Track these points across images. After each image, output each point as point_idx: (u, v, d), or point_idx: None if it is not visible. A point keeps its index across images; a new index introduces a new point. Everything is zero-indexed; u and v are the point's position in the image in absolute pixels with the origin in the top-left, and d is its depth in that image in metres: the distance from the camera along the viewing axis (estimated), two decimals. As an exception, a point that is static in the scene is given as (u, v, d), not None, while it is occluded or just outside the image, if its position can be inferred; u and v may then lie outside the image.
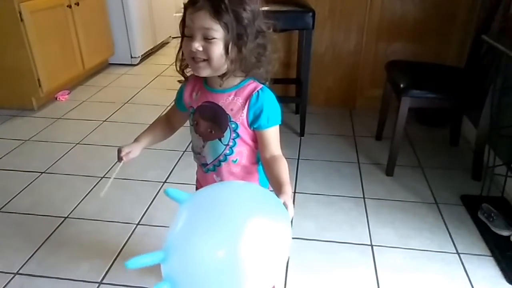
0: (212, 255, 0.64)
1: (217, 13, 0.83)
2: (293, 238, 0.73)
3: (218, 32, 0.84)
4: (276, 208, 0.74)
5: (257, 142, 0.97)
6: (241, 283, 0.66)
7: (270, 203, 0.75)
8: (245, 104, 0.93)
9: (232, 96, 0.94)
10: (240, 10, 0.85)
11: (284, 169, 0.89)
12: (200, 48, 0.85)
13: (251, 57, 0.89)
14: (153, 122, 1.14)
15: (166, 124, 1.13)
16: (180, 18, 0.91)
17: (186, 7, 0.88)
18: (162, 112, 2.63)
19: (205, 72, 0.90)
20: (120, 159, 1.03)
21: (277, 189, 0.85)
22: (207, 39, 0.85)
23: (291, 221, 0.76)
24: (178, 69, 0.98)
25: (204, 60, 0.87)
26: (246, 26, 0.86)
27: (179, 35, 0.92)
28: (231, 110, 0.94)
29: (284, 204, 0.76)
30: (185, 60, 0.94)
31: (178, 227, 0.69)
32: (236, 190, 0.78)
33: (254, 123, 0.93)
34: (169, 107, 1.13)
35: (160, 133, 1.12)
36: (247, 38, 0.87)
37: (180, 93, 1.03)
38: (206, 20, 0.83)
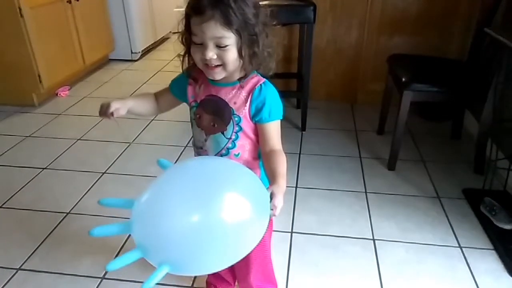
0: (180, 220, 0.68)
1: (227, 21, 0.82)
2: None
3: (230, 39, 0.84)
4: (258, 198, 0.74)
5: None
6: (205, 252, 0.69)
7: (255, 190, 0.75)
8: (248, 97, 0.93)
9: (235, 90, 0.94)
10: (246, 9, 0.84)
11: (281, 163, 0.89)
12: (214, 56, 0.85)
13: (263, 52, 0.90)
14: (141, 94, 1.08)
15: (153, 102, 1.06)
16: (181, 16, 0.89)
17: (189, 15, 0.86)
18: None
19: (220, 76, 0.90)
20: (107, 114, 0.94)
21: (271, 181, 0.85)
22: (220, 47, 0.84)
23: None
24: (185, 72, 0.98)
25: (219, 65, 0.87)
26: (254, 25, 0.86)
27: (179, 31, 0.92)
28: (235, 103, 0.94)
29: (272, 193, 0.76)
30: (186, 55, 0.94)
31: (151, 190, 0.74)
32: (224, 165, 0.80)
33: (255, 116, 0.93)
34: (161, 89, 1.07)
35: (145, 106, 1.05)
36: (257, 37, 0.87)
37: (181, 84, 1.01)
38: (218, 30, 0.82)
